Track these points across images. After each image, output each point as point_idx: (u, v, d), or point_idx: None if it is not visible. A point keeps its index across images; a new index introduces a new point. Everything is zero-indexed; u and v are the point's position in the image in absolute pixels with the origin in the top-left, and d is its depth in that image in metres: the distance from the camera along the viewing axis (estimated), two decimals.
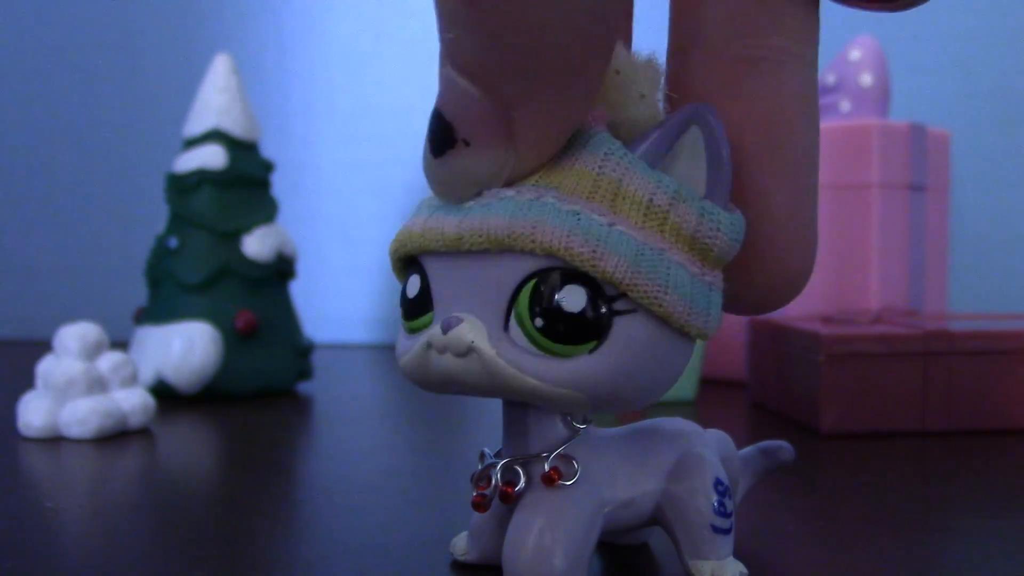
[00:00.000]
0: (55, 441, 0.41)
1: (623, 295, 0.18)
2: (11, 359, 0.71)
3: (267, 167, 0.57)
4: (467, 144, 0.18)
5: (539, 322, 0.18)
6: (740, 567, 0.22)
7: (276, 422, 0.47)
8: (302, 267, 0.60)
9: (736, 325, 0.59)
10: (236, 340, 0.52)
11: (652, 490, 0.22)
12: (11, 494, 0.32)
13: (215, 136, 0.55)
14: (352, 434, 0.44)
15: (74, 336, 0.43)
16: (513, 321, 0.18)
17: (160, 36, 0.88)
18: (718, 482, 0.22)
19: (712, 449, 0.23)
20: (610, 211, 0.18)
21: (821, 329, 0.44)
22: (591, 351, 0.18)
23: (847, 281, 0.55)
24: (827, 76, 0.58)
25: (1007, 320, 0.48)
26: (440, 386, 0.20)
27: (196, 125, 0.56)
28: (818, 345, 0.42)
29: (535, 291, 0.18)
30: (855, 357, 0.42)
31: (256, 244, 0.54)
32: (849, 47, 0.58)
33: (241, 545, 0.26)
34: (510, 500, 0.20)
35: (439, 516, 0.29)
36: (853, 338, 0.42)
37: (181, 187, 0.54)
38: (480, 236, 0.18)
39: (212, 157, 0.54)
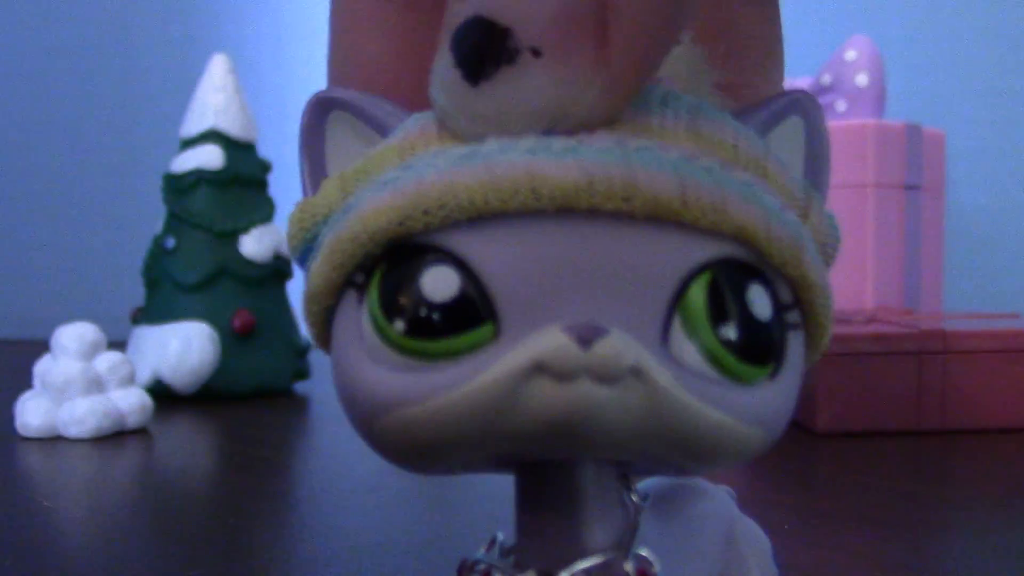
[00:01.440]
0: (53, 441, 0.41)
1: (795, 305, 0.13)
2: (9, 359, 0.71)
3: (264, 167, 0.57)
4: (536, 55, 0.11)
5: (728, 332, 0.12)
6: None
7: (273, 422, 0.47)
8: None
9: None
10: (233, 340, 0.52)
11: None
12: (9, 493, 0.32)
13: (212, 136, 0.55)
14: (349, 434, 0.44)
15: (72, 336, 0.43)
16: (679, 331, 0.12)
17: (158, 36, 0.88)
18: (772, 556, 0.18)
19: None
20: (769, 188, 0.13)
21: None
22: (771, 376, 0.13)
23: (842, 280, 0.55)
24: (823, 76, 0.58)
25: (1002, 320, 0.48)
26: (529, 440, 0.12)
27: (193, 125, 0.56)
28: None
29: (713, 287, 0.12)
30: (850, 356, 0.42)
31: (253, 244, 0.54)
32: (845, 47, 0.58)
33: (238, 544, 0.26)
34: None
35: (437, 515, 0.29)
36: (848, 337, 0.42)
37: (178, 187, 0.54)
38: (627, 191, 0.12)
39: (209, 157, 0.54)
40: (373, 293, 0.12)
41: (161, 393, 0.51)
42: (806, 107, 0.14)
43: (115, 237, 0.88)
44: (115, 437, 0.42)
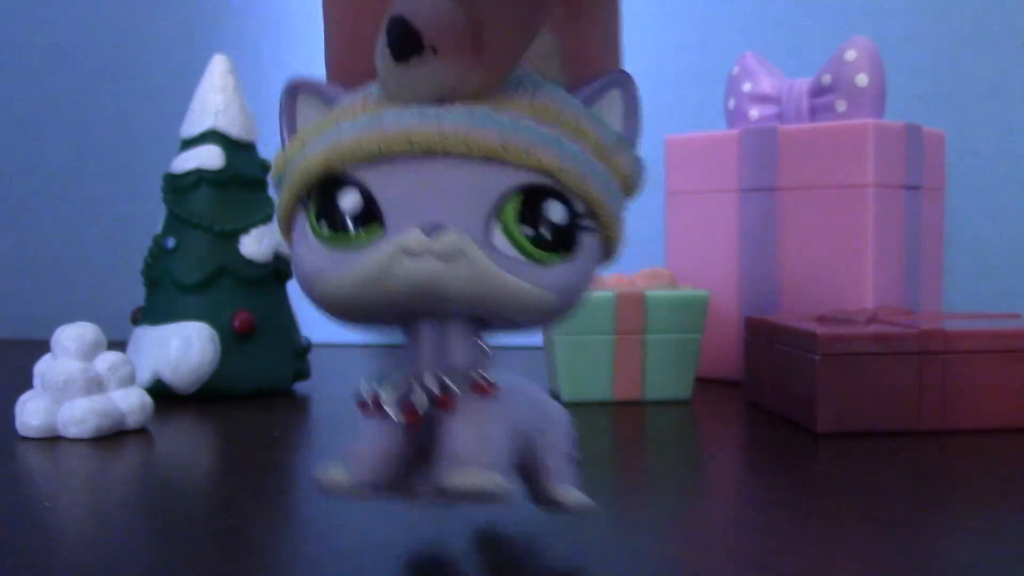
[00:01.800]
0: (53, 440, 0.41)
1: (589, 215, 0.20)
2: (9, 359, 0.71)
3: (264, 167, 0.57)
4: (435, 51, 0.18)
5: (528, 231, 0.20)
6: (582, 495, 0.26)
7: (273, 422, 0.47)
8: None
9: (733, 325, 0.59)
10: (233, 340, 0.52)
11: (523, 427, 0.23)
12: (9, 493, 0.32)
13: (212, 136, 0.55)
14: (349, 434, 0.44)
15: (72, 336, 0.43)
16: (496, 230, 0.19)
17: (158, 37, 0.88)
18: (569, 422, 0.26)
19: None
20: (576, 139, 0.20)
21: (817, 328, 0.44)
22: (563, 260, 0.20)
23: (843, 281, 0.55)
24: (823, 76, 0.58)
25: (1002, 320, 0.48)
26: (400, 299, 0.19)
27: (193, 125, 0.56)
28: (814, 344, 0.42)
29: (524, 202, 0.20)
30: (851, 356, 0.42)
31: (253, 244, 0.54)
32: (845, 47, 0.58)
33: (238, 544, 0.26)
34: (449, 407, 0.21)
35: (436, 515, 0.29)
36: (849, 338, 0.42)
37: (178, 187, 0.54)
38: (468, 142, 0.19)
39: (209, 157, 0.54)
40: (311, 207, 0.20)
41: (161, 393, 0.51)
42: (623, 82, 0.21)
43: (115, 237, 0.88)
44: (115, 437, 0.42)
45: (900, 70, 0.71)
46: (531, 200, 0.20)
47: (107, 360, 0.43)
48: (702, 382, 0.58)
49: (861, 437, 0.42)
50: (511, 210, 0.19)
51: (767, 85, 0.61)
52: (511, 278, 0.19)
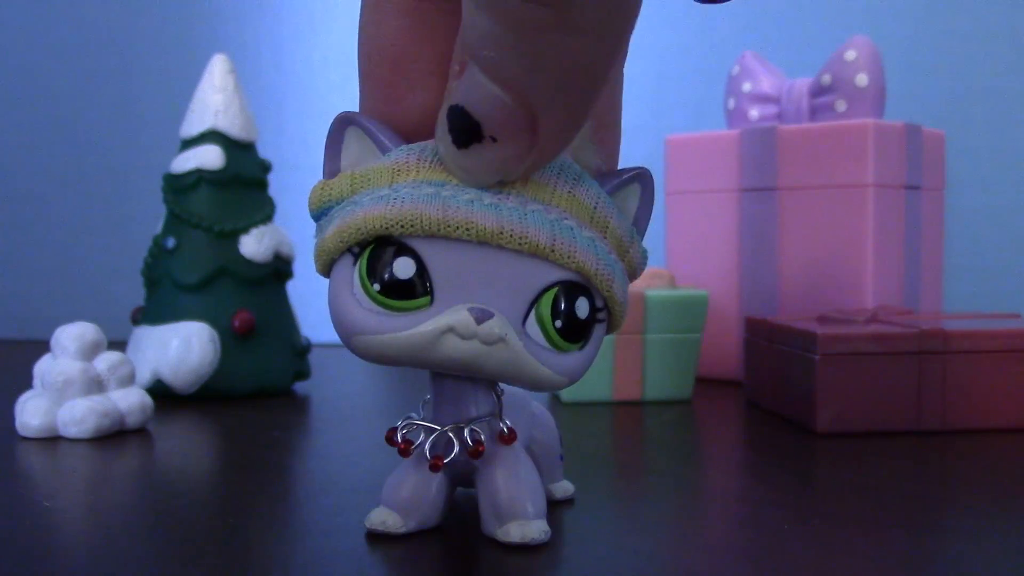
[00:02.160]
0: (53, 441, 0.41)
1: (604, 307, 0.23)
2: (8, 359, 0.71)
3: (264, 167, 0.57)
4: (494, 140, 0.20)
5: (559, 324, 0.22)
6: (571, 485, 0.31)
7: (273, 422, 0.47)
8: (299, 267, 0.60)
9: (733, 325, 0.59)
10: (233, 340, 0.52)
11: (525, 437, 0.28)
12: (9, 493, 0.32)
13: (212, 136, 0.55)
14: (349, 434, 0.44)
15: (72, 336, 0.43)
16: (532, 319, 0.22)
17: (157, 37, 0.88)
18: (555, 425, 0.30)
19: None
20: (606, 242, 0.23)
21: (817, 328, 0.44)
22: (580, 348, 0.23)
23: (843, 280, 0.55)
24: (823, 76, 0.58)
25: (1002, 319, 0.48)
26: (439, 366, 0.22)
27: (193, 125, 0.56)
28: (814, 344, 0.42)
29: (556, 297, 0.22)
30: (851, 356, 0.42)
31: (253, 244, 0.54)
32: (845, 47, 0.58)
33: (238, 544, 0.26)
34: (480, 456, 0.25)
35: None
36: (849, 337, 0.42)
37: (178, 187, 0.54)
38: (523, 239, 0.21)
39: (209, 157, 0.54)
40: (363, 262, 0.22)
41: (161, 393, 0.51)
42: (643, 178, 0.24)
43: (115, 237, 0.88)
44: (115, 437, 0.42)
45: (900, 70, 0.71)
46: (566, 294, 0.22)
47: (107, 360, 0.43)
48: (702, 382, 0.58)
49: (861, 437, 0.42)
50: (547, 303, 0.22)
51: (767, 85, 0.61)
52: (538, 364, 0.22)
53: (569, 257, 0.22)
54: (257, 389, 0.53)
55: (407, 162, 0.22)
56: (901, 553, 0.26)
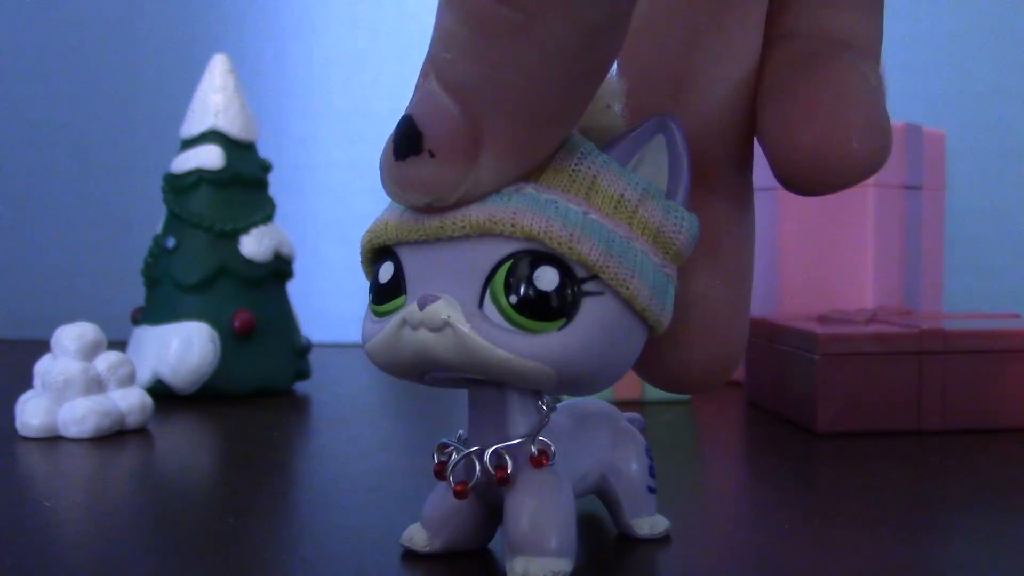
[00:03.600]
0: (53, 441, 0.41)
1: (593, 277, 0.20)
2: (8, 359, 0.71)
3: (264, 167, 0.57)
4: (432, 155, 0.18)
5: (513, 299, 0.20)
6: (666, 521, 0.27)
7: (273, 422, 0.47)
8: (300, 267, 0.60)
9: None
10: (234, 340, 0.52)
11: (597, 462, 0.25)
12: (9, 493, 0.32)
13: (212, 136, 0.55)
14: (349, 434, 0.44)
15: (72, 336, 0.43)
16: (488, 299, 0.20)
17: (158, 36, 0.88)
18: (647, 449, 0.27)
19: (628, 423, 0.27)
20: (585, 202, 0.20)
21: (817, 328, 0.44)
22: (560, 328, 0.20)
23: (843, 280, 0.55)
24: None
25: (1002, 320, 0.48)
26: (410, 365, 0.21)
27: (193, 125, 0.56)
28: (814, 344, 0.42)
29: (510, 271, 0.20)
30: (851, 356, 0.42)
31: (253, 244, 0.54)
32: None
33: (238, 544, 0.26)
34: (506, 484, 0.22)
35: None
36: (849, 337, 0.42)
37: (178, 187, 0.54)
38: (461, 223, 0.20)
39: (209, 157, 0.54)
40: (370, 276, 0.22)
41: (161, 393, 0.51)
42: (669, 127, 0.21)
43: (115, 237, 0.88)
44: (115, 437, 0.42)
45: (900, 70, 0.71)
46: (520, 265, 0.20)
47: (107, 360, 0.43)
48: None
49: (861, 437, 0.42)
50: (500, 278, 0.20)
51: None
52: (492, 348, 0.20)
53: (512, 224, 0.19)
54: (257, 389, 0.53)
55: None
56: (901, 553, 0.26)
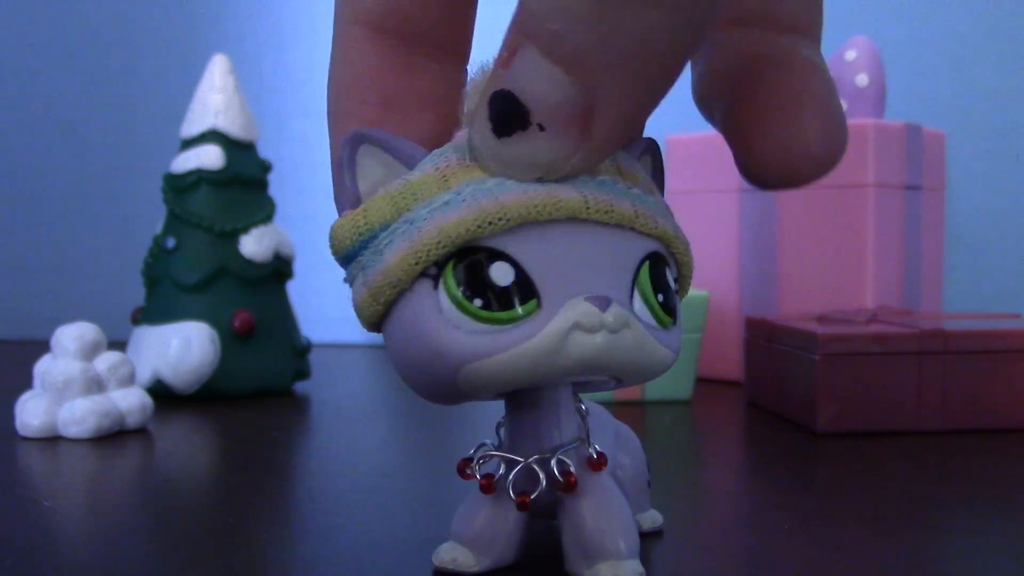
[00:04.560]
0: (53, 440, 0.41)
1: (677, 279, 0.21)
2: (9, 359, 0.71)
3: (264, 167, 0.57)
4: (542, 129, 0.18)
5: (661, 297, 0.20)
6: (660, 515, 0.27)
7: (273, 422, 0.47)
8: (299, 267, 0.60)
9: (733, 325, 0.59)
10: (233, 340, 0.52)
11: (612, 462, 0.24)
12: (9, 493, 0.32)
13: (212, 136, 0.55)
14: (349, 434, 0.44)
15: (72, 336, 0.43)
16: (637, 297, 0.20)
17: (158, 37, 0.88)
18: (642, 447, 0.27)
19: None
20: (652, 195, 0.21)
21: (817, 328, 0.44)
22: (674, 322, 0.21)
23: (843, 280, 0.55)
24: None
25: (1002, 320, 0.48)
26: (562, 374, 0.19)
27: (194, 125, 0.56)
28: (814, 344, 0.42)
29: (652, 268, 0.20)
30: (851, 356, 0.42)
31: (253, 244, 0.54)
32: (845, 47, 0.58)
33: (238, 544, 0.26)
34: (574, 490, 0.22)
35: (437, 515, 0.29)
36: (849, 337, 0.42)
37: (179, 187, 0.54)
38: (609, 209, 0.19)
39: (209, 157, 0.54)
40: (450, 281, 0.19)
41: (161, 393, 0.51)
42: (654, 150, 0.22)
43: (115, 237, 0.88)
44: (115, 437, 0.42)
45: (900, 70, 0.71)
46: (658, 264, 0.20)
47: (107, 360, 0.43)
48: (703, 382, 0.58)
49: (861, 437, 0.42)
50: (646, 276, 0.20)
51: None
52: (660, 345, 0.20)
53: (654, 224, 0.20)
54: (257, 389, 0.53)
55: (449, 165, 0.20)
56: (901, 553, 0.26)
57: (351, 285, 0.21)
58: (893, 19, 0.74)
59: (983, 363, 0.43)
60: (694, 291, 0.52)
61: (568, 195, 0.19)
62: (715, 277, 0.60)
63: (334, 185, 0.21)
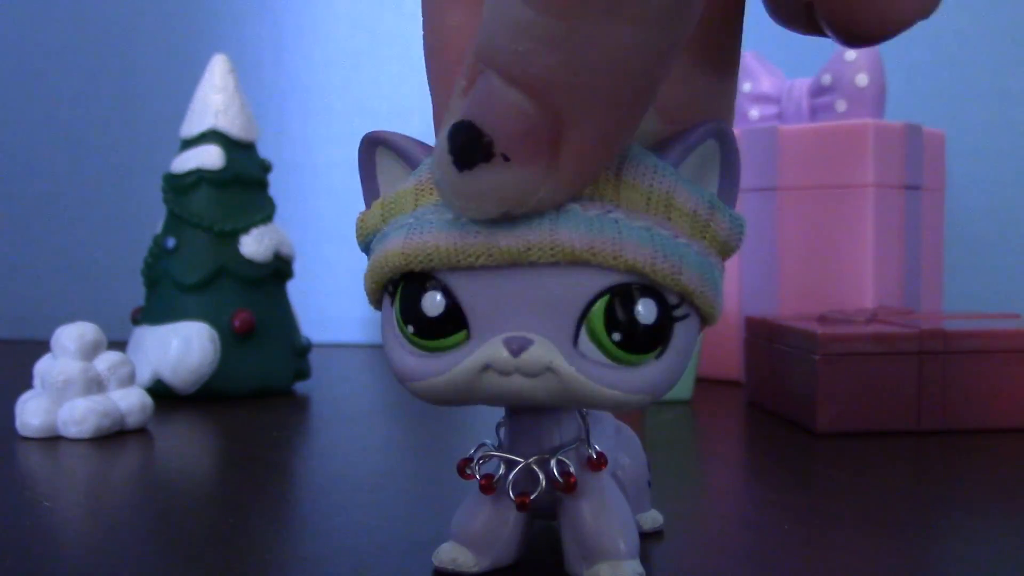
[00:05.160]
0: (53, 440, 0.41)
1: (682, 303, 0.19)
2: (9, 359, 0.71)
3: (264, 167, 0.57)
4: (506, 159, 0.16)
5: (616, 336, 0.19)
6: (660, 515, 0.27)
7: (273, 422, 0.47)
8: (299, 267, 0.60)
9: (733, 325, 0.59)
10: (233, 340, 0.52)
11: (612, 462, 0.24)
12: (9, 493, 0.32)
13: (212, 136, 0.55)
14: (349, 434, 0.44)
15: (72, 336, 0.43)
16: (584, 335, 0.19)
17: (158, 37, 0.88)
18: (640, 446, 0.27)
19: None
20: (668, 223, 0.19)
21: (817, 328, 0.44)
22: (657, 356, 0.19)
23: (843, 280, 0.55)
24: (823, 76, 0.58)
25: (1002, 320, 0.48)
26: (486, 402, 0.20)
27: (193, 125, 0.56)
28: (814, 344, 0.42)
29: (609, 305, 0.18)
30: (851, 356, 0.42)
31: (253, 244, 0.54)
32: (845, 48, 0.58)
33: (238, 544, 0.26)
34: (574, 490, 0.22)
35: (437, 515, 0.29)
36: (849, 337, 0.42)
37: (179, 187, 0.54)
38: (553, 249, 0.18)
39: (209, 157, 0.54)
40: (396, 303, 0.20)
41: (161, 393, 0.51)
42: (721, 132, 0.19)
43: (115, 237, 0.88)
44: (115, 437, 0.42)
45: (900, 70, 0.71)
46: (621, 300, 0.19)
47: (107, 360, 0.43)
48: (702, 382, 0.58)
49: (861, 437, 0.42)
50: (599, 315, 0.18)
51: (767, 85, 0.61)
52: (598, 387, 0.19)
53: (615, 256, 0.18)
54: (257, 389, 0.53)
55: (427, 180, 0.20)
56: (901, 553, 0.26)
57: None
58: None
59: (983, 363, 0.43)
60: None
61: (508, 242, 0.18)
62: None
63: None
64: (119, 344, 0.51)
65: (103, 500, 0.32)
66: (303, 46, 0.86)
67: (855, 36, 0.18)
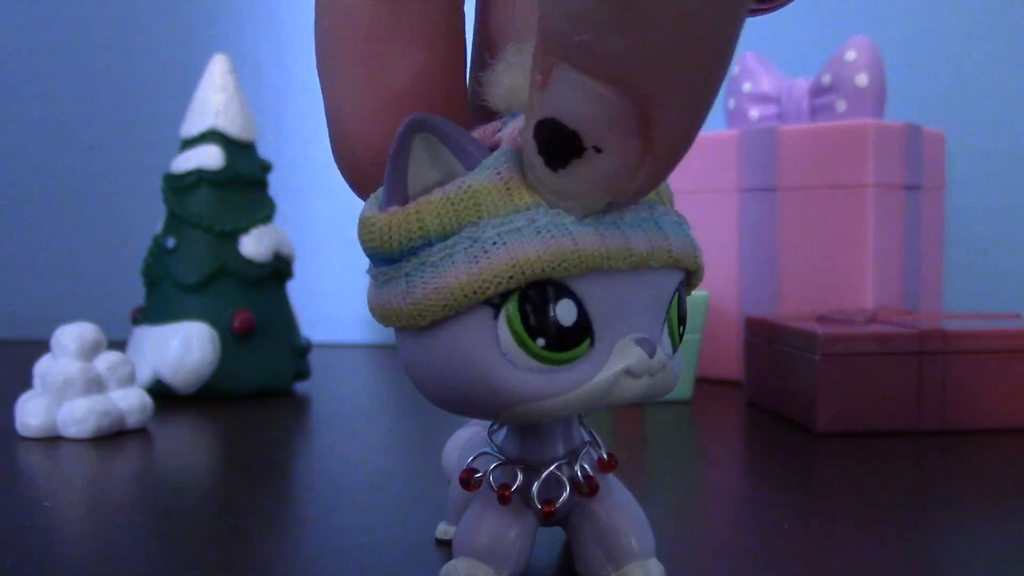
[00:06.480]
0: (53, 440, 0.41)
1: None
2: (9, 359, 0.71)
3: (264, 167, 0.57)
4: (599, 151, 0.16)
5: (682, 329, 0.20)
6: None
7: (273, 422, 0.47)
8: (299, 267, 0.60)
9: (733, 325, 0.59)
10: (233, 340, 0.52)
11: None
12: (9, 493, 0.32)
13: (212, 136, 0.55)
14: (349, 433, 0.44)
15: (72, 336, 0.43)
16: (664, 330, 0.20)
17: (158, 36, 0.88)
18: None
19: None
20: (675, 211, 0.20)
21: (817, 328, 0.44)
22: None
23: (843, 280, 0.55)
24: (823, 76, 0.58)
25: (1002, 320, 0.48)
26: (606, 407, 0.19)
27: (193, 125, 0.56)
28: (814, 344, 0.42)
29: (679, 301, 0.20)
30: (851, 356, 0.42)
31: (253, 244, 0.54)
32: (845, 47, 0.58)
33: (238, 544, 0.26)
34: (594, 494, 0.22)
35: (436, 515, 0.29)
36: (849, 337, 0.42)
37: (178, 187, 0.54)
38: (668, 255, 0.19)
39: (209, 157, 0.54)
40: (514, 315, 0.18)
41: (161, 393, 0.51)
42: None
43: (115, 237, 0.88)
44: (115, 437, 0.42)
45: (900, 70, 0.71)
46: (679, 298, 0.20)
47: (107, 360, 0.43)
48: (703, 382, 0.58)
49: (861, 437, 0.42)
50: (674, 311, 0.20)
51: (767, 85, 0.61)
52: (676, 375, 0.20)
53: (693, 258, 0.20)
54: (257, 389, 0.53)
55: (513, 176, 0.18)
56: (901, 553, 0.26)
57: (377, 283, 0.19)
58: (893, 19, 0.74)
59: (983, 363, 0.43)
60: (694, 291, 0.51)
61: (639, 245, 0.18)
62: (715, 277, 0.60)
63: (350, 167, 0.21)
64: (119, 344, 0.51)
65: (103, 500, 0.32)
66: (303, 46, 0.86)
67: None
